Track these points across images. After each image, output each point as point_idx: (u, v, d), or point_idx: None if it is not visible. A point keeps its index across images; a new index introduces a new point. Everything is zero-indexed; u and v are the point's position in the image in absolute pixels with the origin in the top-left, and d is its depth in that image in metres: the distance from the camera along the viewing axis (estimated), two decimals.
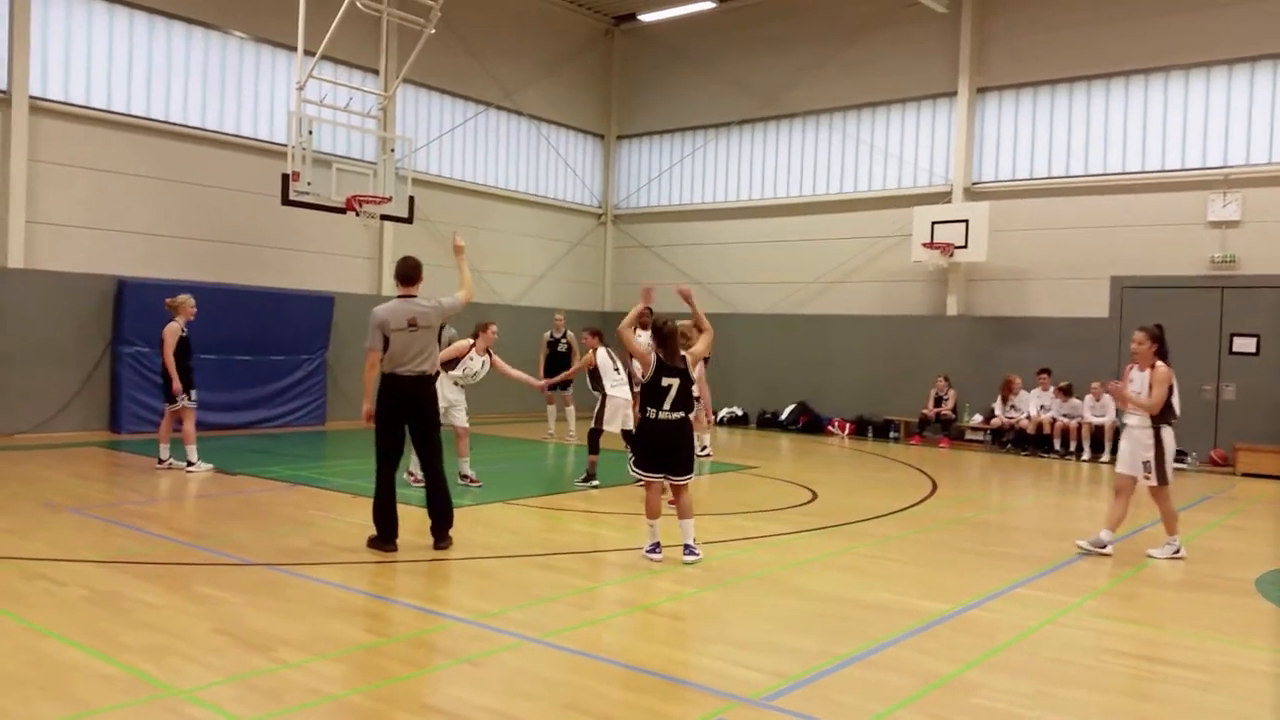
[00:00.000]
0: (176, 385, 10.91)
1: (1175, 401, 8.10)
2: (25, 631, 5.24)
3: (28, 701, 4.28)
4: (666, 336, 7.47)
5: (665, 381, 7.34)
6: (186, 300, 11.24)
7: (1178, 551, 8.09)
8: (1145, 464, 8.05)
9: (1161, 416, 8.02)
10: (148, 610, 5.70)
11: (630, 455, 7.84)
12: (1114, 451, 14.92)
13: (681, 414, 7.39)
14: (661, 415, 7.34)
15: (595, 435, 10.97)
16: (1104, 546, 8.08)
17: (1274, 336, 15.05)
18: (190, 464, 11.04)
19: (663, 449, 7.35)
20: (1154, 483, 8.05)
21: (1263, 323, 15.15)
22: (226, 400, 15.32)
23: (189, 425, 11.10)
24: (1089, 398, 15.76)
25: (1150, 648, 5.66)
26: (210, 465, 11.19)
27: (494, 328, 10.60)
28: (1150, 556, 8.04)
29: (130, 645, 5.06)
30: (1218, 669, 5.32)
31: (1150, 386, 8.00)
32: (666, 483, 7.45)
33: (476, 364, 10.39)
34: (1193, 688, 5.00)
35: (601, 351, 11.20)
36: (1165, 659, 5.45)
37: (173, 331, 10.98)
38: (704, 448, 13.20)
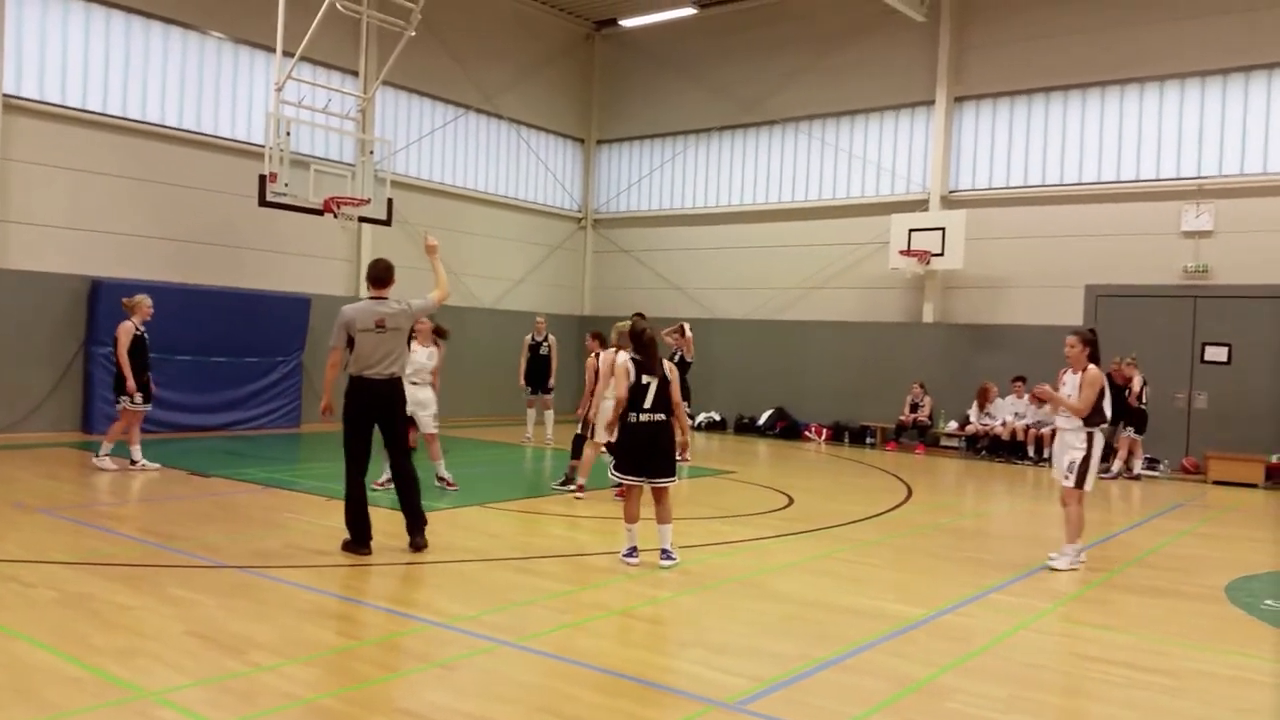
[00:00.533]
0: (131, 384, 10.83)
1: (1107, 406, 7.97)
2: None
3: None
4: (646, 345, 7.47)
5: (644, 379, 7.34)
6: (142, 300, 11.17)
7: (1075, 561, 7.87)
8: (1070, 464, 7.96)
9: (1091, 420, 7.92)
10: (118, 612, 5.65)
11: (610, 460, 7.82)
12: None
13: (662, 415, 7.37)
14: (642, 417, 7.32)
15: (579, 441, 10.92)
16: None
17: (1245, 346, 15.23)
18: (99, 455, 10.98)
19: (644, 452, 7.31)
20: (1070, 485, 7.94)
21: (1234, 332, 15.33)
22: (201, 401, 15.22)
23: (119, 425, 11.06)
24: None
25: (1121, 653, 5.70)
26: (117, 466, 11.03)
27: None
28: (1051, 567, 7.82)
29: (100, 647, 5.01)
30: (1188, 674, 5.37)
31: (1080, 388, 7.94)
32: (647, 487, 7.39)
33: (422, 355, 10.25)
34: (1163, 693, 5.05)
35: (604, 356, 11.13)
36: (1136, 664, 5.49)
37: (126, 330, 10.91)
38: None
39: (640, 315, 11.70)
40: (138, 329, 11.00)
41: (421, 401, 10.21)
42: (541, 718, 4.35)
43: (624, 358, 7.53)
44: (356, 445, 7.41)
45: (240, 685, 4.57)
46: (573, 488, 10.72)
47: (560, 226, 22.59)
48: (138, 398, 10.95)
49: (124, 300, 11.30)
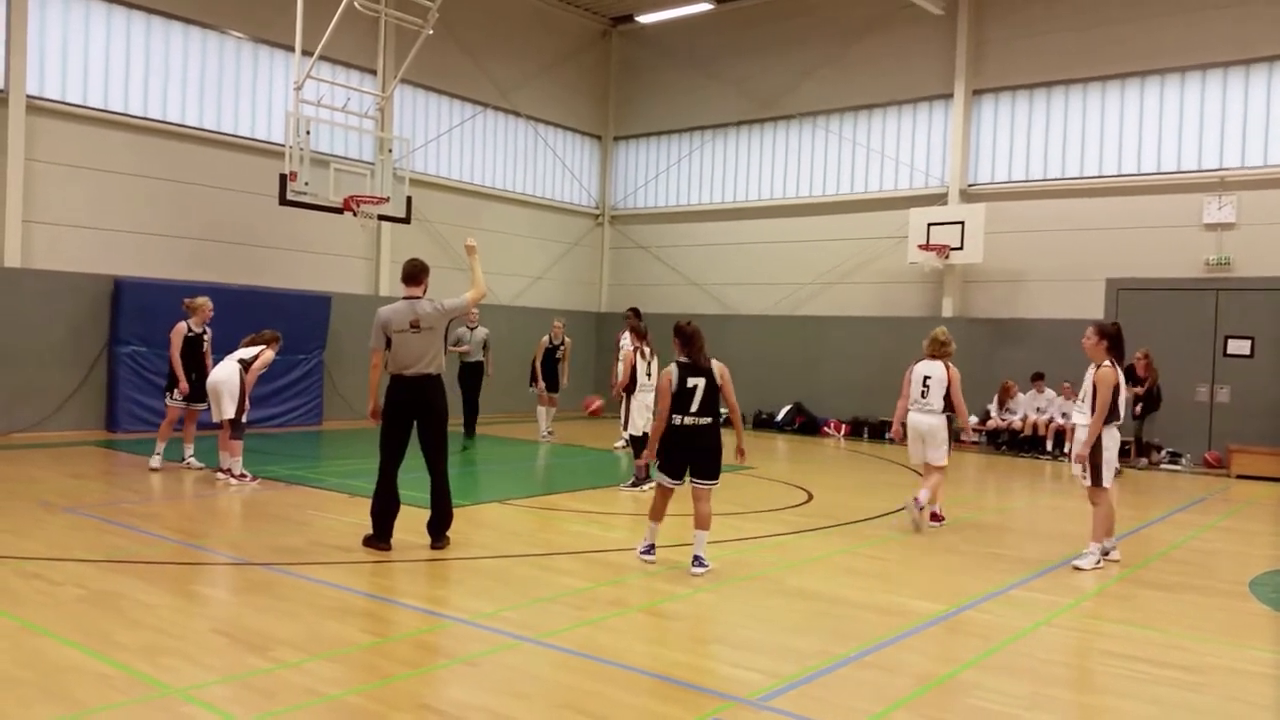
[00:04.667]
0: (183, 384, 10.94)
1: (1121, 403, 7.73)
2: (21, 631, 5.24)
3: (24, 702, 4.29)
4: (690, 336, 7.17)
5: (690, 382, 7.03)
6: (203, 304, 11.30)
7: (1098, 562, 7.72)
8: (1081, 463, 7.82)
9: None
10: (144, 610, 5.70)
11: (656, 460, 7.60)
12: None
13: (710, 419, 7.06)
14: (688, 420, 7.03)
15: (637, 441, 10.87)
16: (1107, 554, 7.99)
17: (1268, 339, 15.10)
18: (152, 456, 11.15)
19: (689, 454, 7.08)
20: (1088, 483, 7.77)
21: (1257, 325, 15.20)
22: None
23: (166, 424, 11.18)
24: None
25: (1144, 649, 5.67)
26: (160, 467, 11.17)
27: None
28: (1076, 568, 7.66)
29: (126, 645, 5.07)
30: (1211, 670, 5.34)
31: (1095, 389, 7.72)
32: (690, 485, 7.14)
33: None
34: (1186, 689, 5.02)
35: (624, 353, 11.20)
36: (1158, 660, 5.47)
37: (178, 331, 11.11)
38: None
39: (634, 311, 11.72)
40: (191, 330, 11.16)
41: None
42: (564, 714, 4.37)
43: (670, 368, 7.13)
44: (391, 441, 7.48)
45: (264, 682, 4.62)
46: (647, 487, 10.46)
47: (578, 223, 22.61)
48: (175, 394, 10.99)
49: (185, 301, 11.44)
